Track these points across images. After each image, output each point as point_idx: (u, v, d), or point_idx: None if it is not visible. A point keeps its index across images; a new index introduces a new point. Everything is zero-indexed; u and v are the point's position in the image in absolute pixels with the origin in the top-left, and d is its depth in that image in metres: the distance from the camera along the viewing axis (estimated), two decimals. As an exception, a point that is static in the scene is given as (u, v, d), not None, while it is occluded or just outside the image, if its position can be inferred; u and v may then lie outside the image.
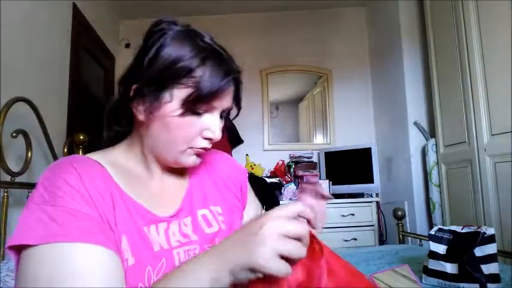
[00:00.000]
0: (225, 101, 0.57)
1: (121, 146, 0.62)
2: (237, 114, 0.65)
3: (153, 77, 0.53)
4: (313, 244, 0.44)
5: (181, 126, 0.54)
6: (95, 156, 0.58)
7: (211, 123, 0.56)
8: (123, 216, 0.52)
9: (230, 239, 0.44)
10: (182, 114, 0.53)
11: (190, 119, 0.54)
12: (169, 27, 0.55)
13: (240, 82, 0.59)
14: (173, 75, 0.52)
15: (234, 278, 0.40)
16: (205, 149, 0.58)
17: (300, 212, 0.43)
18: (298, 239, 0.41)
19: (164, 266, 0.51)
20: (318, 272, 0.42)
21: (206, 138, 0.57)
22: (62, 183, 0.48)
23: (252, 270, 0.39)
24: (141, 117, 0.56)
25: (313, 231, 0.45)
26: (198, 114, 0.55)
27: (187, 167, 0.62)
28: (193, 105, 0.53)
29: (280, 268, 0.38)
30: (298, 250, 0.40)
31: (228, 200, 0.68)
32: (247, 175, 0.78)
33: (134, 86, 0.55)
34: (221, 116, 0.59)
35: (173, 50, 0.52)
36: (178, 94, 0.52)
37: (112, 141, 0.64)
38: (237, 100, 0.61)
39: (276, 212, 0.42)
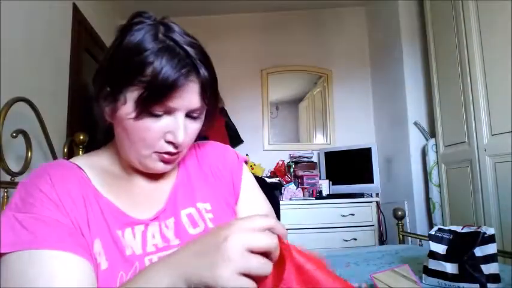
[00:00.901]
0: (186, 100, 0.51)
1: (105, 148, 0.62)
2: (213, 116, 0.59)
3: (109, 77, 0.51)
4: (282, 254, 0.39)
5: (138, 130, 0.51)
6: (77, 160, 0.58)
7: (171, 126, 0.51)
8: (96, 219, 0.51)
9: (191, 248, 0.39)
10: (137, 117, 0.50)
11: (147, 121, 0.50)
12: (140, 21, 0.51)
13: (204, 78, 0.52)
14: (124, 76, 0.49)
15: None
16: (170, 153, 0.54)
17: (269, 227, 0.38)
18: (265, 253, 0.37)
19: (138, 271, 0.49)
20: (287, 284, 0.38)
21: (169, 142, 0.53)
22: (34, 190, 0.49)
23: None
24: (108, 119, 0.55)
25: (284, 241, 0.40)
26: (156, 116, 0.50)
27: (161, 170, 0.57)
28: (147, 107, 0.49)
29: (241, 287, 0.34)
30: (263, 267, 0.35)
31: (220, 195, 0.64)
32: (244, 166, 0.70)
33: (98, 86, 0.53)
34: (192, 117, 0.54)
35: (127, 47, 0.49)
36: (131, 96, 0.49)
37: (104, 142, 0.64)
38: (204, 99, 0.53)
39: (242, 223, 0.38)
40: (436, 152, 2.43)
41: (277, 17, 3.48)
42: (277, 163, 3.18)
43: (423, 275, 1.04)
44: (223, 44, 3.26)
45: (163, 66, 0.47)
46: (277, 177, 3.03)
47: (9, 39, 1.62)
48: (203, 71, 0.51)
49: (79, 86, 2.43)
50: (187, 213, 0.59)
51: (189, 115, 0.53)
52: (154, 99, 0.48)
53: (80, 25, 2.47)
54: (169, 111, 0.51)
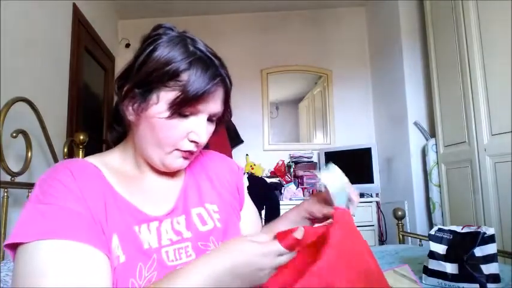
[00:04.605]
0: (212, 105, 0.57)
1: (118, 148, 0.65)
2: (229, 118, 0.66)
3: (142, 79, 0.55)
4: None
5: (166, 128, 0.55)
6: (91, 159, 0.60)
7: (196, 127, 0.57)
8: (114, 215, 0.54)
9: (228, 274, 0.46)
10: (169, 117, 0.54)
11: (176, 121, 0.55)
12: (165, 33, 0.57)
13: (228, 87, 0.59)
14: (160, 77, 0.53)
15: None
16: (191, 152, 0.59)
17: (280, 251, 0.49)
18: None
19: (156, 262, 0.53)
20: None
21: (192, 141, 0.58)
22: (56, 183, 0.51)
23: None
24: (130, 117, 0.58)
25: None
26: (184, 116, 0.56)
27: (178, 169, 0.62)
28: (179, 108, 0.54)
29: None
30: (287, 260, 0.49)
31: (225, 198, 0.69)
32: (246, 175, 0.77)
33: (125, 87, 0.57)
34: (211, 120, 0.60)
35: (163, 54, 0.54)
36: (165, 96, 0.54)
37: (114, 142, 0.66)
38: (225, 105, 0.61)
39: (264, 249, 0.47)
40: (436, 152, 2.43)
41: (277, 17, 3.48)
42: (277, 163, 3.18)
43: (423, 275, 1.04)
44: (223, 44, 3.24)
45: (199, 73, 0.54)
46: (277, 177, 3.03)
47: (9, 39, 1.62)
48: (228, 81, 0.59)
49: (79, 86, 2.43)
50: (197, 212, 0.63)
51: (209, 118, 0.59)
52: (189, 102, 0.54)
53: (80, 25, 2.47)
54: (196, 113, 0.57)
